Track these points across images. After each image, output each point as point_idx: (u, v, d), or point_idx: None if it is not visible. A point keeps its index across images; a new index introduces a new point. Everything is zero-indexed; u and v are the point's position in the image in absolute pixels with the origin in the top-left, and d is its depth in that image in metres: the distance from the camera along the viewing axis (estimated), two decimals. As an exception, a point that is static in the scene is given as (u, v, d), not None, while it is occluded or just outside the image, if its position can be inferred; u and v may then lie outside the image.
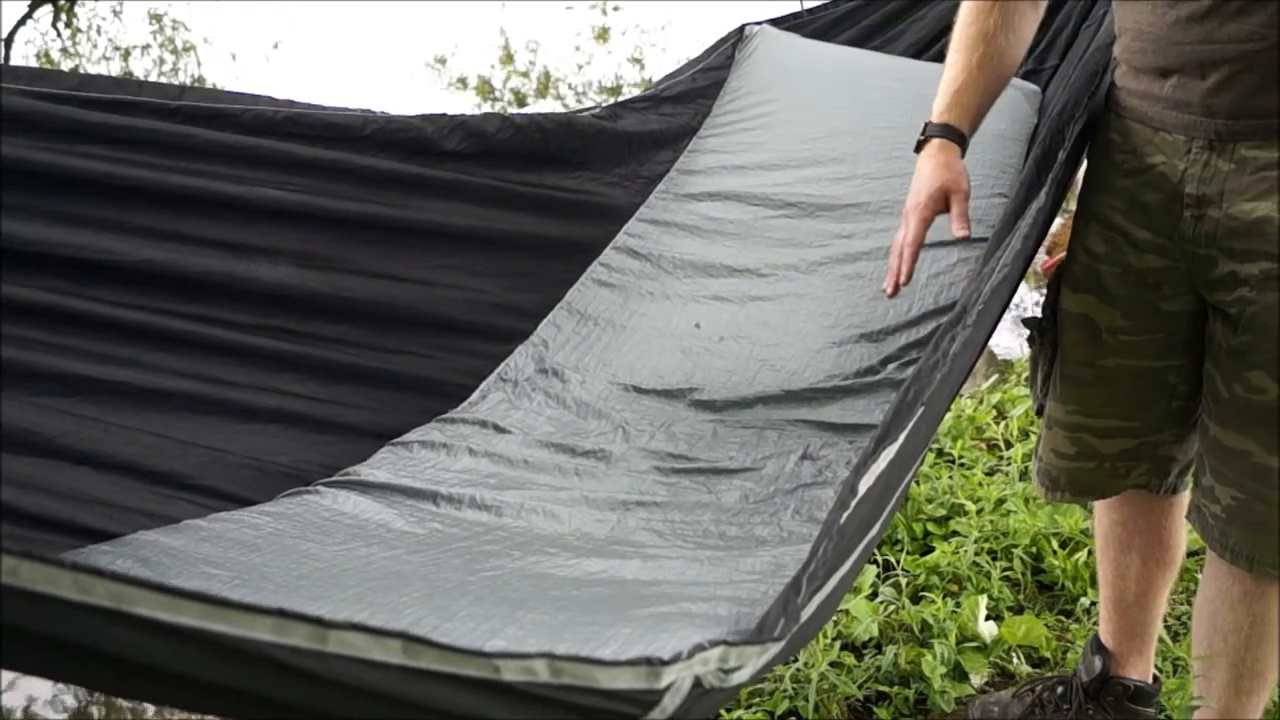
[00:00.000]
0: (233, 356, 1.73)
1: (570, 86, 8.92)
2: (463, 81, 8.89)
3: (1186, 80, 1.40)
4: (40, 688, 2.39)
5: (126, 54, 9.52)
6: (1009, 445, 2.90)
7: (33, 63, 8.88)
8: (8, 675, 2.30)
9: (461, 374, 1.97)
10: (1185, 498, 1.75)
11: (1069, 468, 1.71)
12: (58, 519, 1.43)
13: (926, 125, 1.65)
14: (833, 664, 2.00)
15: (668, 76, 2.60)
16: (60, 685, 2.37)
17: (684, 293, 2.15)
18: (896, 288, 1.64)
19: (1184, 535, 1.80)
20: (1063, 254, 1.67)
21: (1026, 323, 1.70)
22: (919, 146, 1.65)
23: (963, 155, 1.64)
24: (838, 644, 2.08)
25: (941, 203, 1.63)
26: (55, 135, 1.58)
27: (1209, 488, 1.55)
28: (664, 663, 0.85)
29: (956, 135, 1.63)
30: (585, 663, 0.83)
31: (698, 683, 0.87)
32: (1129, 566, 1.81)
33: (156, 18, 9.75)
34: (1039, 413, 1.73)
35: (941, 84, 1.64)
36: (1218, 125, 1.39)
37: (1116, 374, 1.61)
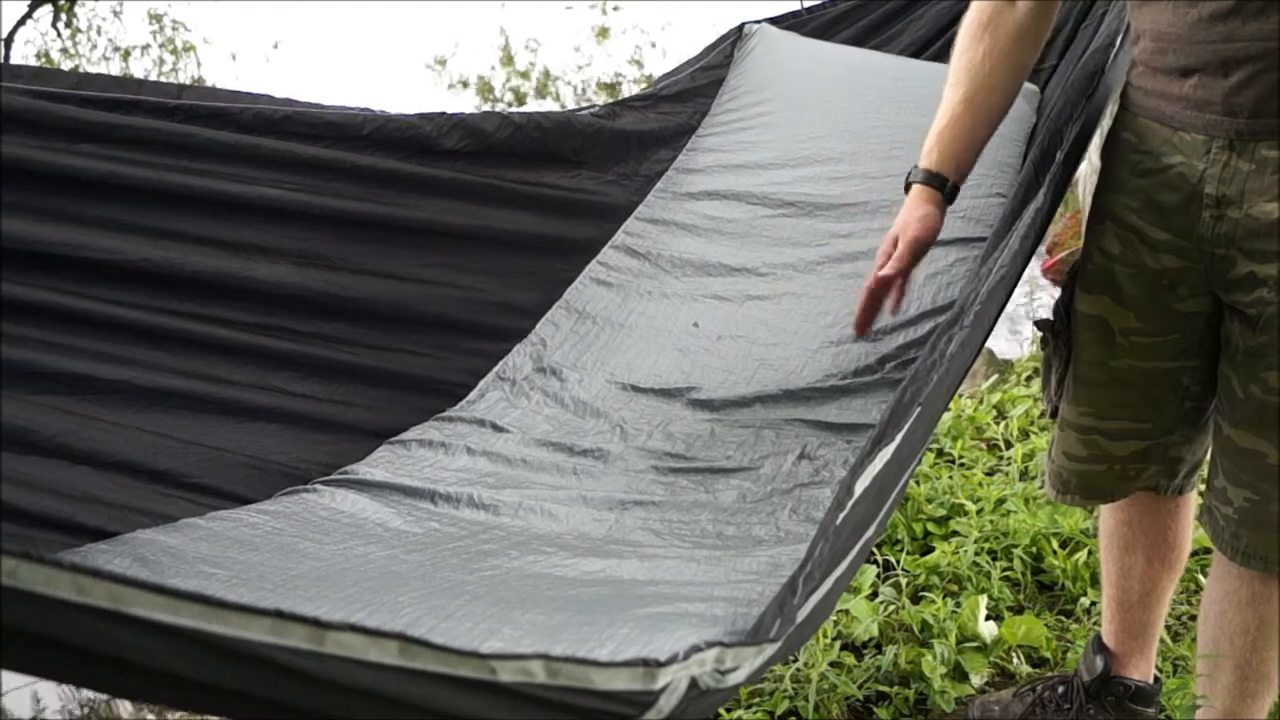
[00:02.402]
0: (231, 355, 1.73)
1: (569, 84, 8.92)
2: (464, 83, 8.89)
3: (1208, 79, 1.39)
4: (46, 690, 2.39)
5: (126, 54, 9.52)
6: (1009, 445, 2.90)
7: (33, 63, 8.87)
8: (11, 680, 2.29)
9: (459, 373, 1.97)
10: (1191, 498, 1.75)
11: (1080, 470, 1.71)
12: (56, 517, 1.43)
13: (912, 170, 1.64)
14: (833, 664, 2.00)
15: (666, 75, 2.60)
16: (65, 688, 2.37)
17: (682, 292, 2.15)
18: (860, 328, 1.68)
19: (1189, 535, 1.80)
20: (1063, 254, 1.67)
21: (1039, 325, 1.69)
22: (907, 188, 1.65)
23: (950, 200, 1.63)
24: (838, 644, 2.08)
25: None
26: (55, 134, 1.59)
27: (1221, 489, 1.55)
28: (660, 664, 0.85)
29: (937, 181, 1.62)
30: (581, 664, 0.83)
31: (694, 684, 0.87)
32: (1133, 566, 1.81)
33: (156, 18, 9.74)
34: (1051, 415, 1.72)
35: (934, 121, 1.63)
36: (1239, 124, 1.38)
37: (1129, 375, 1.60)
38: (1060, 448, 1.73)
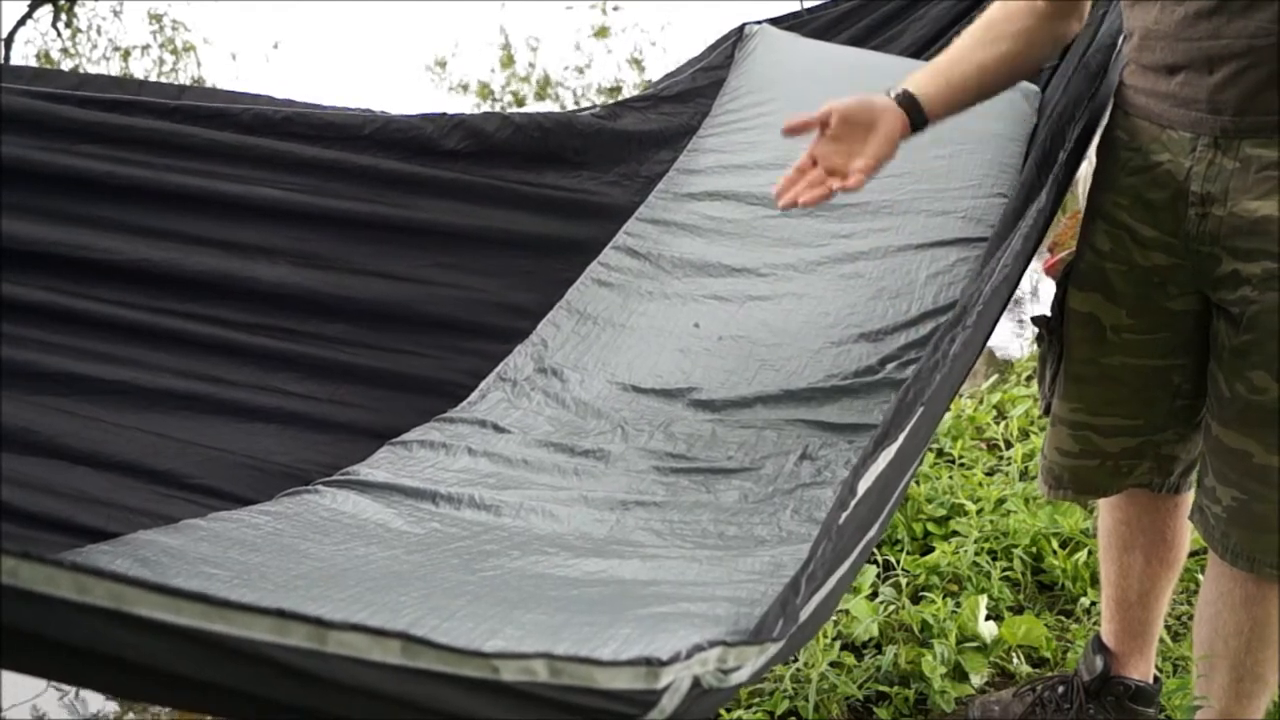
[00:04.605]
0: (232, 356, 1.73)
1: (570, 90, 8.92)
2: (464, 87, 8.89)
3: (1194, 76, 1.40)
4: (47, 703, 2.38)
5: (126, 54, 9.51)
6: (1009, 445, 2.90)
7: (33, 63, 8.87)
8: (12, 694, 2.29)
9: (461, 373, 1.97)
10: (1189, 497, 1.75)
11: (1072, 465, 1.71)
12: (57, 518, 1.43)
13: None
14: (833, 664, 2.00)
15: (667, 76, 2.60)
16: (67, 699, 2.37)
17: (683, 292, 2.15)
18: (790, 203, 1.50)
19: (1187, 535, 1.80)
20: (1064, 253, 1.67)
21: (1035, 321, 1.70)
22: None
23: (916, 129, 1.50)
24: (838, 644, 2.07)
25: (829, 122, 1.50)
26: (55, 135, 1.59)
27: (1211, 488, 1.55)
28: (662, 663, 0.85)
29: (907, 100, 1.50)
30: (584, 663, 0.83)
31: (696, 683, 0.87)
32: (1132, 566, 1.81)
33: (156, 18, 9.73)
34: (1046, 412, 1.73)
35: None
36: (1224, 122, 1.39)
37: (1120, 372, 1.61)
38: (1053, 443, 1.74)
